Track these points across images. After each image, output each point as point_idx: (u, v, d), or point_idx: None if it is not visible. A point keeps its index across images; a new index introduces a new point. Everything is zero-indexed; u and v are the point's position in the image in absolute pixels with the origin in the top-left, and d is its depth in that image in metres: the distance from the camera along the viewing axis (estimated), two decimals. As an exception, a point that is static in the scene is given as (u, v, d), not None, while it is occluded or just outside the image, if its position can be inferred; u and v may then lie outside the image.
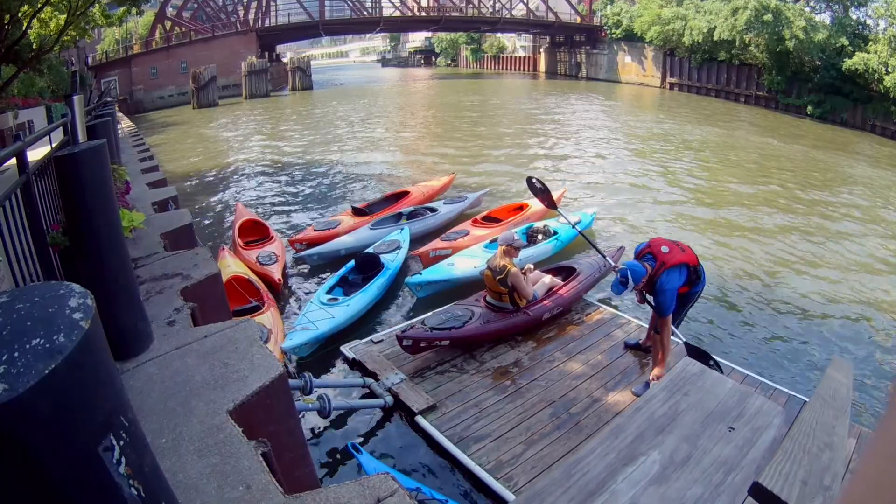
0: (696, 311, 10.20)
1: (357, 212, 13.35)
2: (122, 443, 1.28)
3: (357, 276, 10.26)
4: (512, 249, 8.01)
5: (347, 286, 9.95)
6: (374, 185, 18.88)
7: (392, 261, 10.66)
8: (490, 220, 12.93)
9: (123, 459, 1.28)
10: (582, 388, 6.90)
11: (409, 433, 6.34)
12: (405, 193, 14.90)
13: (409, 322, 8.25)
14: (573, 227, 10.00)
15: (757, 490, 2.95)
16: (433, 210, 13.75)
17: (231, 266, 9.41)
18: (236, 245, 11.30)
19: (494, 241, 10.76)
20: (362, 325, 9.14)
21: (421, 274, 10.00)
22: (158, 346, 3.80)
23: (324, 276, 11.26)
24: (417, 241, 12.24)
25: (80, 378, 1.19)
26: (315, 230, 12.64)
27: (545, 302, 8.47)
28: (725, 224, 15.38)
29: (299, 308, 10.22)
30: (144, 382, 3.39)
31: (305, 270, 11.63)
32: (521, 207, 13.84)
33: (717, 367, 7.08)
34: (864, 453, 0.54)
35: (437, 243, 11.64)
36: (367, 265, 10.40)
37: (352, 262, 10.50)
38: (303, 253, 11.66)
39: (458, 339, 7.65)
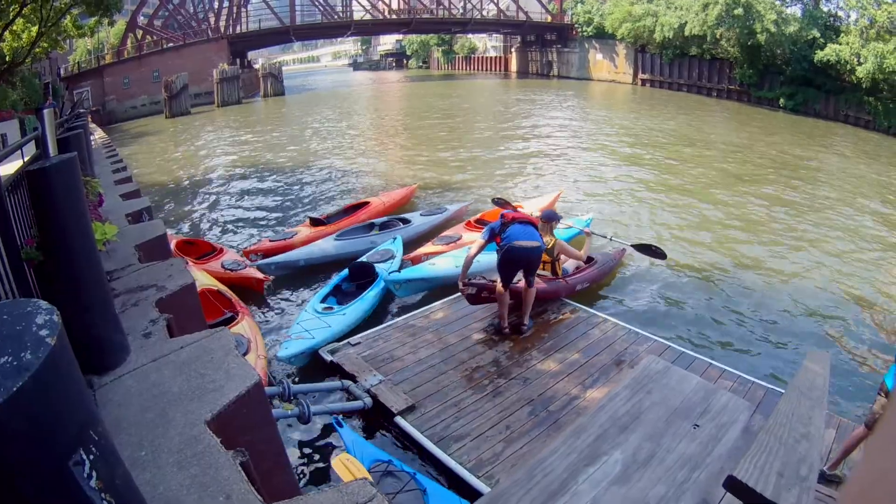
0: (673, 305, 10.36)
1: (315, 222, 13.24)
2: (92, 457, 1.30)
3: (350, 284, 10.26)
4: (553, 224, 9.25)
5: (341, 295, 9.96)
6: (337, 194, 18.76)
7: (386, 270, 10.60)
8: (483, 223, 12.73)
9: (94, 473, 1.30)
10: (560, 386, 6.96)
11: (389, 434, 6.39)
12: (365, 204, 14.72)
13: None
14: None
15: (732, 483, 2.98)
16: (406, 221, 13.60)
17: (200, 279, 8.88)
18: (189, 262, 10.64)
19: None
20: (356, 333, 8.99)
21: (400, 273, 10.05)
22: (135, 358, 3.79)
23: (302, 281, 11.30)
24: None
25: (48, 394, 1.20)
26: (270, 241, 12.54)
27: (578, 275, 9.88)
28: (700, 217, 15.56)
29: (281, 313, 10.25)
30: (123, 395, 3.38)
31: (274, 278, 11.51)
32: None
33: (662, 254, 10.46)
34: (865, 449, 0.56)
35: (428, 247, 11.67)
36: (360, 274, 10.41)
37: (345, 271, 10.50)
38: (260, 262, 11.47)
39: (515, 292, 8.49)
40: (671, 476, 3.32)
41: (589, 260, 10.36)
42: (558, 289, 9.41)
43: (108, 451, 1.38)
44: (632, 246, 10.82)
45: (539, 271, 8.73)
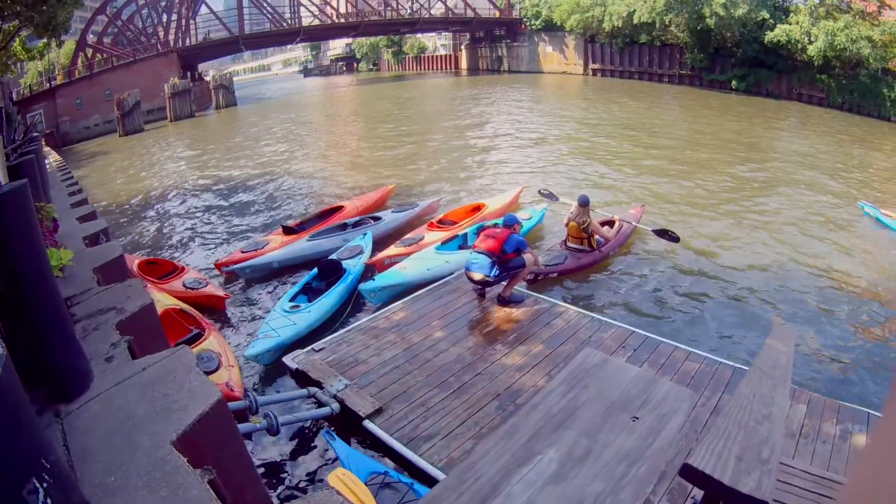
0: (637, 290, 10.50)
1: (288, 230, 13.17)
2: (45, 485, 1.32)
3: (320, 282, 10.31)
4: (588, 208, 11.23)
5: (311, 293, 10.00)
6: (305, 202, 18.62)
7: (353, 266, 10.74)
8: (446, 223, 13.02)
9: (49, 501, 1.32)
10: (526, 378, 7.00)
11: (360, 438, 6.37)
12: (339, 209, 14.66)
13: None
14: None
15: (688, 471, 2.97)
16: (377, 219, 13.60)
17: (160, 300, 8.78)
18: (149, 283, 10.21)
19: (445, 243, 11.48)
20: (326, 330, 9.09)
21: (374, 280, 10.06)
22: (99, 383, 3.75)
23: (274, 285, 11.34)
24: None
25: (-5, 426, 1.23)
26: (243, 252, 12.39)
27: (608, 245, 11.70)
28: (659, 200, 15.76)
29: (253, 319, 10.23)
30: (89, 422, 3.35)
31: (242, 290, 11.49)
32: (478, 208, 13.98)
33: (675, 238, 11.80)
34: (868, 442, 0.61)
35: (391, 250, 11.68)
36: (329, 271, 10.46)
37: (315, 270, 10.54)
38: (234, 267, 11.49)
39: (563, 271, 10.97)
40: (609, 472, 3.20)
41: (611, 223, 12.67)
42: (594, 259, 11.43)
43: (62, 478, 1.41)
44: (652, 231, 12.24)
45: (578, 246, 11.45)
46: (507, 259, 8.83)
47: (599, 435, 3.55)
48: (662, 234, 11.94)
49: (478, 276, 8.83)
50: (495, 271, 8.79)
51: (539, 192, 14.63)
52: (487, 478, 3.23)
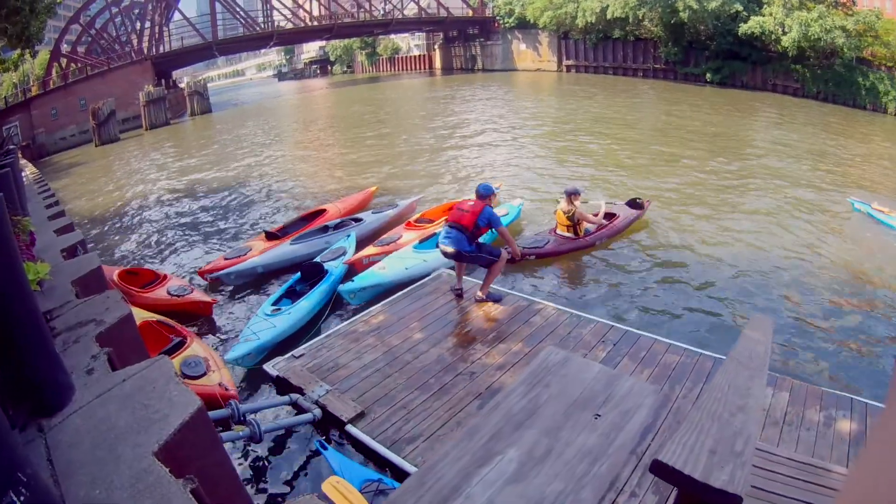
0: (615, 284, 10.55)
1: (270, 236, 13.13)
2: (22, 498, 1.35)
3: (303, 285, 10.29)
4: (575, 197, 11.79)
5: (295, 296, 9.98)
6: (286, 207, 18.52)
7: (335, 267, 10.77)
8: (423, 221, 13.10)
9: None
10: (506, 377, 7.00)
11: (343, 443, 6.36)
12: (321, 212, 14.64)
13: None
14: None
15: (658, 467, 2.82)
16: (358, 220, 13.64)
17: (136, 313, 7.98)
18: (131, 293, 10.32)
19: (423, 241, 11.53)
20: (308, 331, 9.22)
21: (353, 281, 10.06)
22: (81, 396, 3.75)
23: (260, 291, 11.35)
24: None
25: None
26: (225, 259, 12.32)
27: (596, 233, 12.18)
28: (637, 193, 15.72)
29: (240, 323, 10.20)
30: (72, 435, 3.35)
31: (227, 295, 11.47)
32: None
33: (640, 205, 13.00)
34: (868, 440, 0.64)
35: (369, 249, 11.72)
36: (312, 273, 10.46)
37: (298, 273, 10.56)
38: (218, 273, 11.46)
39: (543, 254, 11.57)
40: (570, 471, 3.23)
41: (612, 216, 12.89)
42: (577, 245, 11.92)
43: (39, 491, 1.44)
44: (625, 204, 13.40)
45: (565, 234, 12.01)
46: (480, 234, 8.95)
47: (561, 433, 3.55)
48: (631, 204, 13.11)
49: (449, 249, 8.87)
50: (467, 246, 8.83)
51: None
52: (447, 479, 3.23)
